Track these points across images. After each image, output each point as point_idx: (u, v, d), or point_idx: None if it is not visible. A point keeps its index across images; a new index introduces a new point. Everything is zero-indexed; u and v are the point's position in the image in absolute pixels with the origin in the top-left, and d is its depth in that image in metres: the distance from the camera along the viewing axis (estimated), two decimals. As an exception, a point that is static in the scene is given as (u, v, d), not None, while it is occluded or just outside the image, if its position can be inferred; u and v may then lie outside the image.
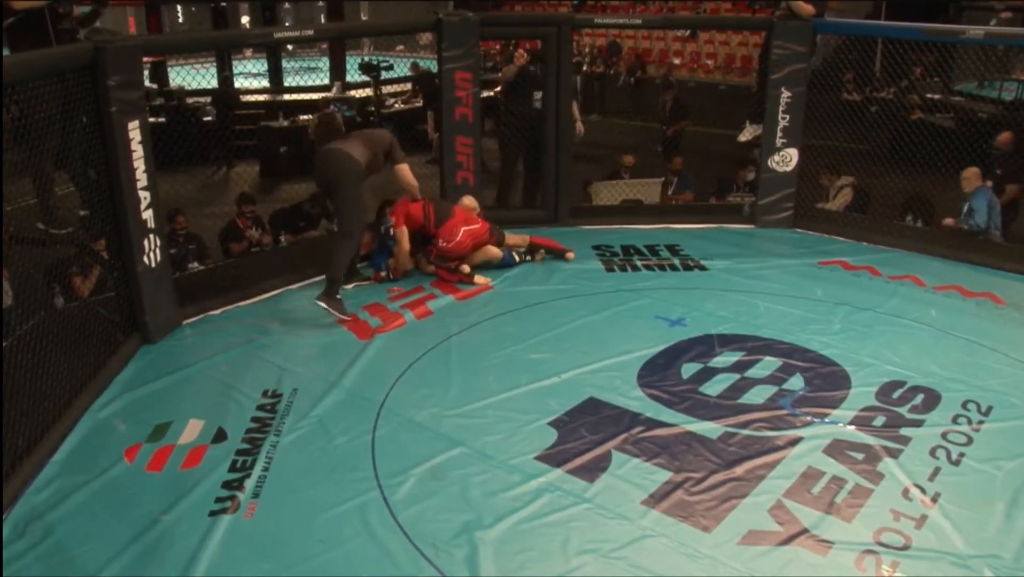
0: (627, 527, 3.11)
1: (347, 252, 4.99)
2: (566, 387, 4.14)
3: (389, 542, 3.03)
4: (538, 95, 6.68)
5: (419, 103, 11.28)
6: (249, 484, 3.38)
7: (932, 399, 4.03)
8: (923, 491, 3.32)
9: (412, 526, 3.11)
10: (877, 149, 7.01)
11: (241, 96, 11.88)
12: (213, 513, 3.19)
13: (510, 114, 6.88)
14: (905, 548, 3.00)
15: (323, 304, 4.86)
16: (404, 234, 5.56)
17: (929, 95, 8.85)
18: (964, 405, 3.97)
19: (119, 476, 3.44)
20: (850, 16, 9.36)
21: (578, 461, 3.52)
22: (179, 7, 21.17)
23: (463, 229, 5.54)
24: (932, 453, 3.58)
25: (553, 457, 3.55)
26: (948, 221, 6.28)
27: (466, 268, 5.56)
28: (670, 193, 7.38)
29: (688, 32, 14.77)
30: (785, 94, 6.39)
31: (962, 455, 3.57)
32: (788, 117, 6.43)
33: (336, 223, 5.21)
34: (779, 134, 6.47)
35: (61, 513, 3.20)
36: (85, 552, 2.97)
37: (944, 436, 3.71)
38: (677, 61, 14.66)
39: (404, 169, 5.30)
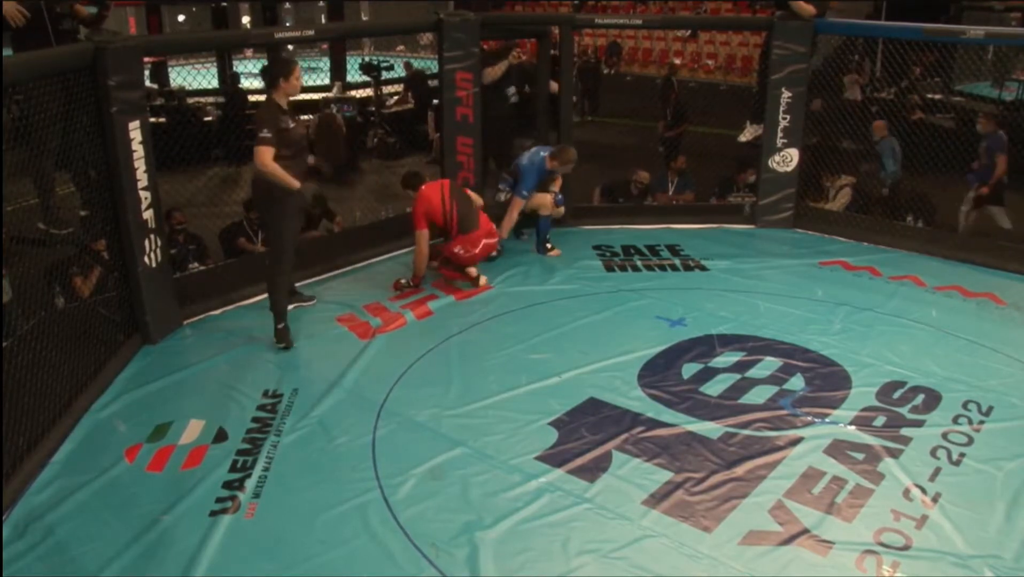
0: (627, 527, 3.11)
1: (281, 287, 4.57)
2: (566, 387, 4.14)
3: (389, 542, 3.03)
4: (511, 90, 6.66)
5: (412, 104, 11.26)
6: (250, 484, 3.38)
7: (932, 399, 4.03)
8: (924, 491, 3.32)
9: (412, 526, 3.11)
10: (877, 149, 7.00)
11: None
12: (214, 513, 3.19)
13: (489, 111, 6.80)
14: (905, 548, 3.00)
15: (282, 345, 4.56)
16: (424, 238, 5.39)
17: (930, 95, 8.84)
18: (965, 405, 3.97)
19: (119, 476, 3.44)
20: (850, 16, 9.34)
21: (578, 461, 3.52)
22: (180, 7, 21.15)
23: (484, 242, 5.49)
24: (933, 453, 3.58)
25: (553, 457, 3.55)
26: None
27: (472, 272, 5.52)
28: (671, 193, 7.38)
29: (688, 32, 14.77)
30: (785, 94, 6.40)
31: (963, 455, 3.57)
32: (788, 117, 6.44)
33: (266, 253, 4.64)
34: (779, 134, 6.48)
35: (61, 513, 3.20)
36: (85, 552, 2.98)
37: (945, 436, 3.71)
38: (677, 61, 14.65)
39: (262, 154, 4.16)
